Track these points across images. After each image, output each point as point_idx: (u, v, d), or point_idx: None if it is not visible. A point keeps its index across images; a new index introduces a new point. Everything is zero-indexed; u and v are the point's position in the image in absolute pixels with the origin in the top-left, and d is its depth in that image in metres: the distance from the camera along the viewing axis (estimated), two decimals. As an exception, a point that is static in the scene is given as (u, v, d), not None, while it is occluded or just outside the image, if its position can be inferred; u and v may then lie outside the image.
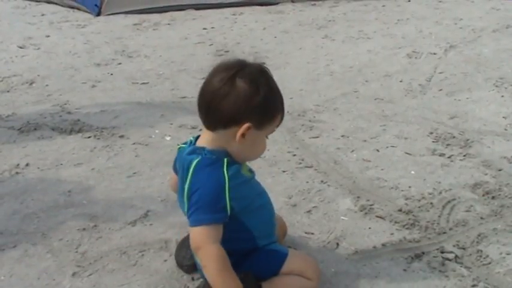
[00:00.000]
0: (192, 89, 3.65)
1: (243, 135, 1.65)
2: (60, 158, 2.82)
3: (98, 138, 3.02)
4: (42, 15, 5.59)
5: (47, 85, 3.77)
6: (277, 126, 1.74)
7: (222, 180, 1.64)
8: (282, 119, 1.74)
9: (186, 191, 1.67)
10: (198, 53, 4.42)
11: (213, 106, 1.65)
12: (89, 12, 5.57)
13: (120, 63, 4.21)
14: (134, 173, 2.68)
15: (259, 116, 1.67)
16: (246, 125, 1.65)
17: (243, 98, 1.63)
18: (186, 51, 4.46)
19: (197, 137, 1.78)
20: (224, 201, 1.64)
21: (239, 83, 1.63)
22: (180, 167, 1.76)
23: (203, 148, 1.70)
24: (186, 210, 1.69)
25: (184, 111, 3.34)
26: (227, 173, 1.65)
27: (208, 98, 1.66)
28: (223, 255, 1.65)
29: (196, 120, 3.16)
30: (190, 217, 1.67)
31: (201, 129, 2.94)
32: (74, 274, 2.00)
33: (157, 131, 3.10)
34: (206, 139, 1.71)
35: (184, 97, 3.57)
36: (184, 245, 2.01)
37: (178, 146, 1.84)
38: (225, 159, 1.67)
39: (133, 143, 2.96)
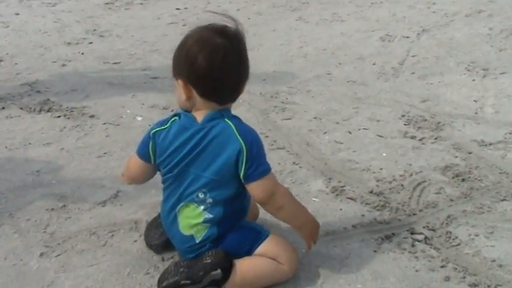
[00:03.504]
0: (164, 70, 3.61)
1: None
2: (28, 138, 2.77)
3: (68, 118, 2.97)
4: (12, -8, 5.47)
5: (16, 64, 3.70)
6: None
7: (255, 129, 1.79)
8: None
9: (244, 150, 1.69)
10: (170, 33, 4.37)
11: (241, 85, 1.76)
12: (59, -10, 5.47)
13: (91, 43, 4.15)
14: (104, 153, 2.65)
15: None
16: None
17: (246, 55, 1.77)
18: (159, 32, 4.41)
19: (187, 112, 1.77)
20: None
21: (243, 52, 1.75)
22: (188, 139, 1.74)
23: (220, 111, 1.74)
24: (244, 168, 1.71)
25: (156, 92, 3.31)
26: None
27: (234, 79, 1.74)
28: (288, 190, 1.85)
29: (168, 100, 3.14)
30: (258, 169, 1.72)
31: (172, 110, 2.96)
32: (41, 254, 1.97)
33: (128, 111, 3.06)
34: (215, 107, 1.75)
35: (156, 77, 3.53)
36: (153, 225, 1.99)
37: (154, 131, 1.80)
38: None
39: (104, 123, 2.92)
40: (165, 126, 1.78)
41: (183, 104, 1.76)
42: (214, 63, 1.67)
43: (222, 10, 4.84)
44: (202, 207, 1.77)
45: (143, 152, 1.83)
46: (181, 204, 1.79)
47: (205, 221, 1.78)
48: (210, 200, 1.76)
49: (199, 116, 1.74)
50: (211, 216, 1.77)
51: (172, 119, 1.79)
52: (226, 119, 1.73)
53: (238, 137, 1.70)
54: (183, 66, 1.72)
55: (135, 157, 1.86)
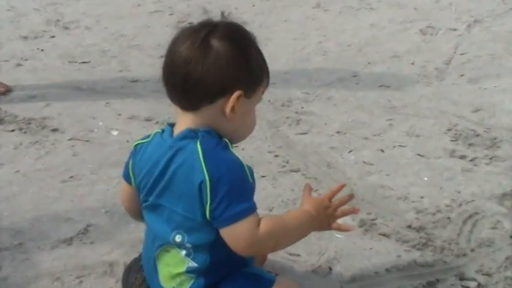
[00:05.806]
0: (146, 70, 3.65)
1: (232, 108, 1.68)
2: (-25, 157, 2.81)
3: (24, 132, 3.00)
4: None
5: (-43, 63, 3.75)
6: (263, 92, 1.77)
7: (239, 160, 1.68)
8: (268, 81, 1.78)
9: (207, 184, 1.64)
10: (154, 24, 4.41)
11: (192, 78, 1.66)
12: (13, -29, 5.53)
13: (53, 36, 4.19)
14: (71, 176, 2.67)
15: (248, 79, 1.71)
16: (236, 94, 1.67)
17: (226, 60, 1.66)
18: (139, 23, 4.45)
19: (172, 125, 1.78)
20: (251, 184, 1.69)
21: (215, 43, 1.66)
22: (157, 161, 1.73)
23: (195, 130, 1.71)
24: (209, 209, 1.66)
25: (136, 98, 3.33)
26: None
27: (182, 70, 1.66)
28: (270, 221, 1.69)
29: (151, 109, 3.17)
30: (226, 212, 1.64)
31: (157, 122, 2.99)
32: (-9, 306, 2.00)
33: (100, 124, 3.09)
34: (190, 122, 1.71)
35: (136, 80, 3.56)
36: (133, 268, 1.99)
37: (135, 143, 1.83)
38: (225, 140, 1.72)
39: (70, 139, 2.95)
40: (147, 139, 1.80)
41: None
42: (191, 51, 1.67)
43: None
44: (184, 252, 1.76)
45: (125, 171, 1.86)
46: (159, 249, 1.80)
47: (188, 271, 1.77)
48: (188, 245, 1.75)
49: (177, 130, 1.75)
50: (195, 265, 1.75)
51: (156, 130, 1.81)
52: (198, 142, 1.69)
53: (203, 167, 1.65)
54: None
55: (121, 179, 1.90)
